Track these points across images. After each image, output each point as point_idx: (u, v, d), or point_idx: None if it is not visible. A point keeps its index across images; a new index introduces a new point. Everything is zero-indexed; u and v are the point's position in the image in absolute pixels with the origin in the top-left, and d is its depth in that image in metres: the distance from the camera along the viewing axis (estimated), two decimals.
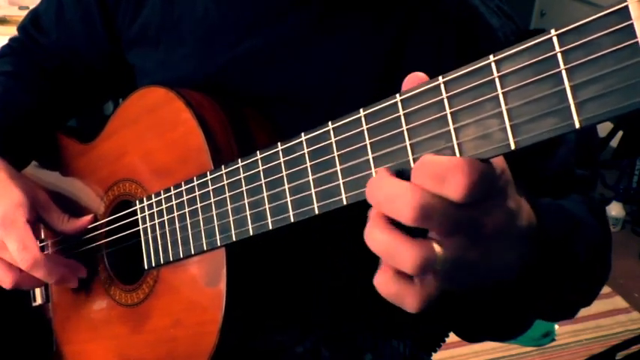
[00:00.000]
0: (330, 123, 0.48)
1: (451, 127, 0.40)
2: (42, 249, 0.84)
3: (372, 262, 0.74)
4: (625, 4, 0.33)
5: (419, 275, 0.42)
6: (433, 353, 0.90)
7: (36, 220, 0.78)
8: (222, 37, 0.75)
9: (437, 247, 0.41)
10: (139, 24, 0.82)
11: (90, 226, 0.81)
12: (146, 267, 0.72)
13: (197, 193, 0.64)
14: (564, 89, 0.35)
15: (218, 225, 0.61)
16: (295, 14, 0.71)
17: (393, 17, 0.68)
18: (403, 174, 0.43)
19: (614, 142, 2.73)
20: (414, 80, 0.42)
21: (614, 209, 2.83)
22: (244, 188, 0.58)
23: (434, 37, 0.67)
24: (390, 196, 0.40)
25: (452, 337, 0.88)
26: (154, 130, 0.73)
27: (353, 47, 0.69)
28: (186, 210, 0.65)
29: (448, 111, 0.40)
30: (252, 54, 0.73)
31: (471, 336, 0.67)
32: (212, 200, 0.62)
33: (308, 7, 0.70)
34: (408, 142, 0.43)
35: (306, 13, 0.70)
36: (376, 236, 0.41)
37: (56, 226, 0.80)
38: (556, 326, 2.24)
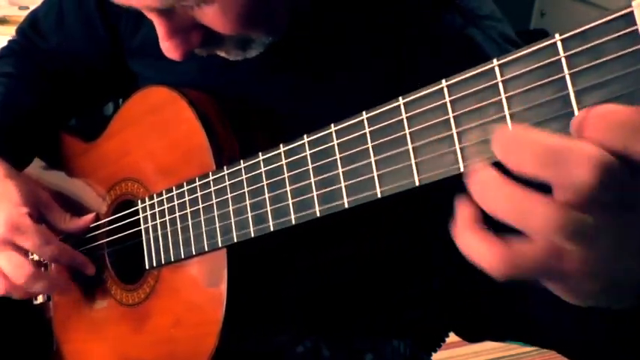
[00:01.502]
0: (332, 125, 0.48)
1: (454, 131, 0.40)
2: None
3: (373, 262, 0.75)
4: (630, 9, 0.32)
5: (567, 241, 0.33)
6: (433, 353, 0.90)
7: (39, 219, 0.78)
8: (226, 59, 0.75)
9: (588, 217, 0.32)
10: (140, 37, 0.83)
11: (92, 225, 0.81)
12: (147, 267, 0.72)
13: (199, 194, 0.64)
14: (568, 94, 0.35)
15: (219, 227, 0.61)
16: (299, 43, 0.70)
17: (388, 53, 0.67)
18: None
19: None
20: None
21: None
22: (246, 190, 0.58)
23: (431, 70, 0.65)
24: (557, 151, 0.31)
25: (452, 337, 0.88)
26: (156, 129, 0.73)
27: (349, 79, 0.69)
28: (188, 210, 0.65)
29: (451, 115, 0.40)
30: (251, 73, 0.73)
31: (473, 336, 0.66)
32: (214, 201, 0.62)
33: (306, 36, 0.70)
34: (410, 146, 0.43)
35: (308, 40, 0.70)
36: (505, 192, 0.32)
37: (58, 224, 0.80)
38: None
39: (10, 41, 0.97)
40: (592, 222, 0.33)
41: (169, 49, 0.60)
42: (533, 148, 0.32)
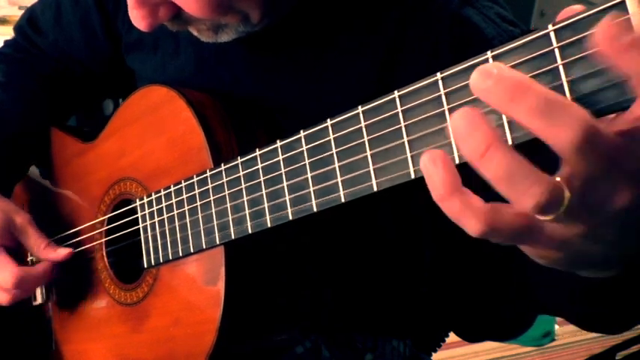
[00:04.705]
0: (328, 120, 0.48)
1: (449, 123, 0.40)
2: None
3: (371, 261, 0.75)
4: None
5: (539, 213, 0.34)
6: (433, 353, 0.90)
7: (14, 244, 0.79)
8: (219, 54, 0.75)
9: (566, 190, 0.34)
10: (137, 31, 0.82)
11: (89, 224, 0.81)
12: (145, 266, 0.72)
13: (196, 191, 0.64)
14: (562, 84, 0.35)
15: (217, 224, 0.61)
16: (291, 38, 0.71)
17: (383, 35, 0.67)
18: None
19: None
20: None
21: None
22: (243, 186, 0.58)
23: (426, 51, 0.65)
24: (553, 102, 0.32)
25: (452, 337, 0.88)
26: (154, 129, 0.73)
27: (344, 66, 0.69)
28: (186, 208, 0.65)
29: (446, 107, 0.40)
30: (248, 70, 0.73)
31: (473, 336, 0.66)
32: (211, 198, 0.62)
33: (303, 30, 0.70)
34: (406, 139, 0.43)
35: (301, 35, 0.70)
36: (497, 159, 0.33)
37: (32, 250, 0.81)
38: (556, 326, 2.24)
39: (4, 45, 0.96)
40: (569, 197, 0.34)
41: (137, 17, 0.61)
42: (534, 95, 0.32)
